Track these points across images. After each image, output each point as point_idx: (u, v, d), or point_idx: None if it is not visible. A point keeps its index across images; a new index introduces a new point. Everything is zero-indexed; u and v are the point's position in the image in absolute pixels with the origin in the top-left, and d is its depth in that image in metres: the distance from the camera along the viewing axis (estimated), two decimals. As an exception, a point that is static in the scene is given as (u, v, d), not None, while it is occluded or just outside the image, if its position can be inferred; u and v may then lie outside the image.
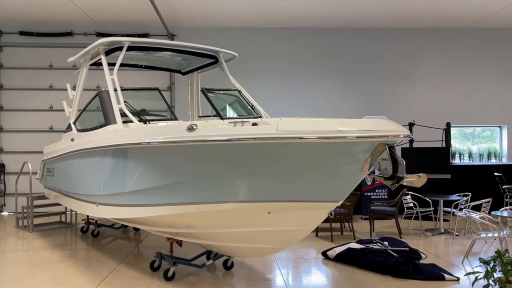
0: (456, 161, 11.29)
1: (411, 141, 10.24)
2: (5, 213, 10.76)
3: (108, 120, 5.44)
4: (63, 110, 7.16)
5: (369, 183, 9.55)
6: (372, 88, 11.30)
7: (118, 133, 5.10)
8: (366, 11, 10.09)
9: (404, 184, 3.66)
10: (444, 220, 8.38)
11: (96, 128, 5.77)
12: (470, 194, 8.11)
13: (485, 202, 6.82)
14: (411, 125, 10.33)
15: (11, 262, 6.20)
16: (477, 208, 7.00)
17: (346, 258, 6.00)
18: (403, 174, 3.44)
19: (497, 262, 4.40)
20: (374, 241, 6.60)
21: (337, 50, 11.33)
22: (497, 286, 4.35)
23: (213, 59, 6.82)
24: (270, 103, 10.25)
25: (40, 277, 5.42)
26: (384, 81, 11.34)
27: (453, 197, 8.06)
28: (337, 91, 11.27)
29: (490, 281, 4.31)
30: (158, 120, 6.40)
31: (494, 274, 4.35)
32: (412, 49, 11.42)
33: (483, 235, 6.07)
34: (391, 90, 11.33)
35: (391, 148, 3.48)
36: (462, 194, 8.19)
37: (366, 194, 9.53)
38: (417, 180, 3.69)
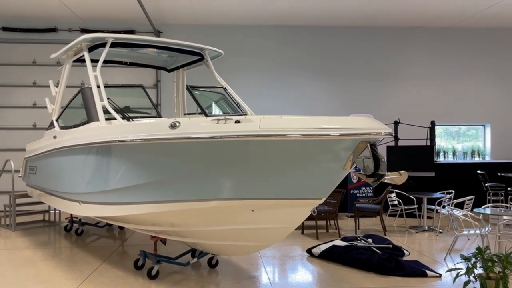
0: (441, 159, 11.42)
1: (396, 139, 10.32)
2: (-13, 212, 10.58)
3: (90, 117, 5.39)
4: (47, 107, 7.08)
5: (354, 181, 9.61)
6: (359, 87, 11.35)
7: (100, 130, 5.05)
8: (353, 10, 10.13)
9: (385, 181, 3.69)
10: (428, 217, 8.48)
11: (78, 125, 5.70)
12: (453, 191, 8.20)
13: (468, 200, 6.90)
14: (396, 124, 10.41)
15: (-8, 261, 6.11)
16: (460, 206, 7.08)
17: (331, 256, 6.03)
18: (384, 172, 3.48)
19: (478, 258, 4.46)
20: (359, 239, 6.66)
21: (324, 49, 11.36)
22: (477, 282, 4.42)
23: (198, 57, 6.78)
24: (256, 101, 10.24)
25: (23, 276, 5.35)
26: (371, 79, 11.40)
27: (437, 194, 8.15)
28: (324, 89, 11.30)
29: (471, 277, 4.37)
30: (141, 117, 6.35)
31: (475, 270, 4.41)
32: (398, 48, 11.50)
33: (465, 232, 6.15)
34: (377, 89, 11.40)
35: (373, 145, 3.51)
36: (445, 191, 8.28)
37: (351, 191, 9.59)
38: (398, 177, 3.73)
